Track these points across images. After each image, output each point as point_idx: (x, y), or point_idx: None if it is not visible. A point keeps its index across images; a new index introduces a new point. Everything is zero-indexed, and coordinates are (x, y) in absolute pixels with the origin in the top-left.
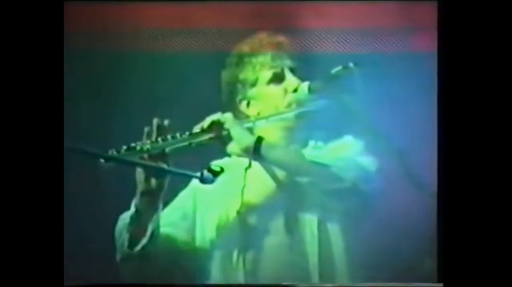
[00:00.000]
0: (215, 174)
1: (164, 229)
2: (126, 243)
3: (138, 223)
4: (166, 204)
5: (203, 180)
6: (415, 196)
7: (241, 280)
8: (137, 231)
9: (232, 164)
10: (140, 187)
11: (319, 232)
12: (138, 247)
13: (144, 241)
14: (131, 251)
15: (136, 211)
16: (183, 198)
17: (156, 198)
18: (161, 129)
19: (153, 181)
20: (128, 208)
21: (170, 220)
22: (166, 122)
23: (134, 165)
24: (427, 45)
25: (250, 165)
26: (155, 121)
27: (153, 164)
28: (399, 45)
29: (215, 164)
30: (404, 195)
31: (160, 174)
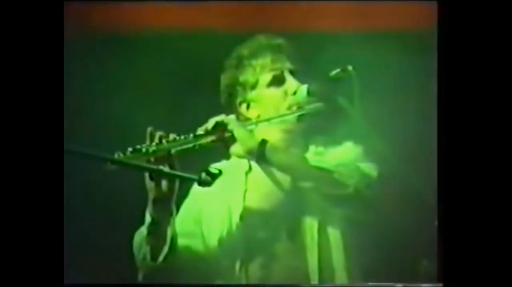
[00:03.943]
0: (213, 176)
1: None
2: (148, 256)
3: (157, 232)
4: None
5: (201, 183)
6: (416, 199)
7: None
8: (157, 241)
9: (232, 166)
10: (151, 194)
11: (320, 237)
12: (161, 258)
13: (165, 250)
14: (155, 263)
15: (152, 220)
16: (189, 204)
17: (169, 203)
18: (164, 131)
19: (164, 186)
20: (129, 208)
21: (184, 228)
22: (169, 124)
23: (131, 167)
24: (427, 45)
25: (250, 168)
26: (157, 123)
27: (152, 166)
28: (399, 46)
29: (214, 167)
30: (405, 198)
31: (168, 177)
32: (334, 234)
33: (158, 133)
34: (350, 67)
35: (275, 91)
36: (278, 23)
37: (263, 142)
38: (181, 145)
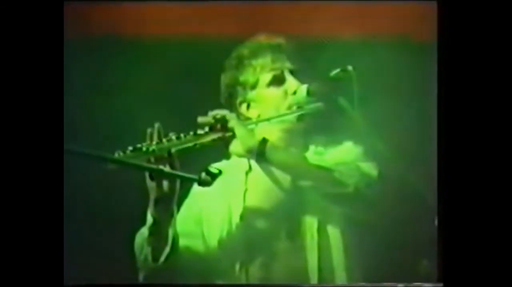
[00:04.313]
0: (213, 176)
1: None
2: (149, 257)
3: (158, 233)
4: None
5: (201, 183)
6: (415, 198)
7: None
8: (158, 242)
9: (232, 166)
10: (152, 194)
11: (321, 236)
12: (162, 258)
13: (167, 250)
14: (156, 263)
15: (154, 221)
16: (190, 204)
17: (170, 203)
18: (164, 131)
19: (165, 186)
20: (129, 208)
21: (184, 228)
22: (169, 123)
23: (132, 167)
24: (427, 44)
25: (250, 168)
26: (158, 123)
27: (153, 166)
28: (399, 46)
29: (213, 166)
30: (404, 197)
31: (168, 176)
32: (334, 233)
33: (158, 133)
34: (350, 67)
35: (275, 91)
36: (279, 24)
37: (263, 141)
38: (181, 144)
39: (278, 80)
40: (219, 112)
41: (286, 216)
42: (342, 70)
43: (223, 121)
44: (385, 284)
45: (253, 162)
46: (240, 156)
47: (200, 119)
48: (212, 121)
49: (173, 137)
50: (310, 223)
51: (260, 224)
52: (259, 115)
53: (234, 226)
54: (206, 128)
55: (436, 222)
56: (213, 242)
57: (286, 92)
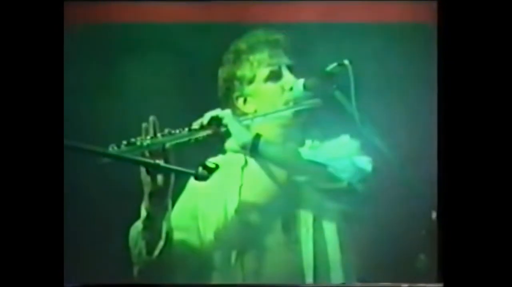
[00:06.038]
0: (210, 170)
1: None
2: (144, 251)
3: (152, 227)
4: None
5: (198, 177)
6: (412, 196)
7: (239, 280)
8: (153, 235)
9: (228, 161)
10: (147, 188)
11: (315, 231)
12: (156, 252)
13: (161, 243)
14: (150, 257)
15: (148, 215)
16: (185, 199)
17: (164, 197)
18: (159, 125)
19: (160, 180)
20: (128, 206)
21: (179, 223)
22: (164, 118)
23: (128, 161)
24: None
25: (246, 163)
26: (153, 117)
27: (148, 160)
28: (397, 40)
29: (210, 161)
30: (399, 192)
31: (165, 171)
32: (328, 228)
33: (154, 127)
34: (346, 62)
35: (272, 86)
36: (275, 16)
37: (257, 136)
38: (176, 139)
39: (275, 76)
40: (212, 113)
41: (281, 211)
42: (338, 65)
43: (218, 119)
44: (385, 284)
45: (248, 157)
46: (235, 151)
47: (195, 123)
48: (206, 123)
49: (168, 132)
50: (305, 218)
51: (255, 218)
52: (255, 111)
53: (228, 221)
54: (201, 124)
55: (433, 217)
56: (208, 236)
57: (283, 88)
